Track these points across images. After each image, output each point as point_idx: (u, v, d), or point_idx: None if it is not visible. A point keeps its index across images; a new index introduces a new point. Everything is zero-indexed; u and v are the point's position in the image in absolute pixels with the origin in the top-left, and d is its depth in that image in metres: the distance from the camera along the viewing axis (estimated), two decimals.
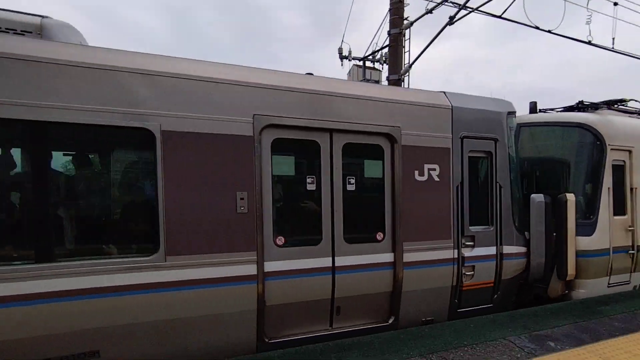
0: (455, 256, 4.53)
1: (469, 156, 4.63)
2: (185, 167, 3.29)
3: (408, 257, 4.25)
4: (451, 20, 6.99)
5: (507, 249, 4.87)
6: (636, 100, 6.45)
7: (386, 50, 9.33)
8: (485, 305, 4.93)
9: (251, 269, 3.51)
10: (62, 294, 2.90)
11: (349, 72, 12.11)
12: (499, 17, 6.51)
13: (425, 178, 4.34)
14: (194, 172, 3.34)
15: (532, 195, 5.20)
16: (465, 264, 4.62)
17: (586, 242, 5.38)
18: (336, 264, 3.94)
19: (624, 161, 5.58)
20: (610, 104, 6.18)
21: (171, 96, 3.28)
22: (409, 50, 7.96)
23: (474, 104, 4.67)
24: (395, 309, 4.28)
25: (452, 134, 4.47)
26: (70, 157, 3.12)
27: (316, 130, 3.90)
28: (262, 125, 3.59)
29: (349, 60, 10.86)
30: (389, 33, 8.07)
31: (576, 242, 5.32)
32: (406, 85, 8.28)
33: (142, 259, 3.18)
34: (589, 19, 6.85)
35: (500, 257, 4.85)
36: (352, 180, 4.08)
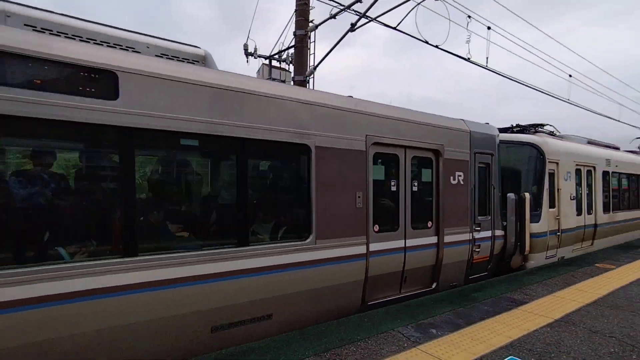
0: (471, 238, 6.49)
1: (478, 166, 6.63)
2: (328, 173, 4.52)
3: (446, 239, 6.06)
4: (352, 27, 7.27)
5: (497, 232, 7.02)
6: (551, 125, 9.80)
7: (292, 50, 9.39)
8: (483, 274, 7.01)
9: (363, 249, 4.90)
10: (251, 271, 3.91)
11: (259, 70, 11.98)
12: (394, 28, 6.99)
13: (455, 182, 6.22)
14: (333, 177, 4.62)
15: (508, 194, 7.41)
16: (476, 243, 6.60)
17: (535, 227, 7.95)
18: (407, 245, 5.55)
19: (554, 170, 8.30)
20: (535, 126, 9.17)
21: (322, 121, 4.54)
22: (314, 53, 8.11)
23: (479, 128, 6.64)
24: (437, 277, 6.03)
25: (470, 150, 6.41)
26: (256, 164, 4.43)
27: (397, 147, 5.49)
28: (370, 143, 5.04)
29: (255, 57, 10.72)
30: (294, 34, 8.11)
31: (530, 227, 7.76)
32: (311, 87, 8.49)
33: (300, 242, 4.39)
34: (468, 38, 7.81)
35: (493, 238, 6.95)
36: (416, 184, 5.76)
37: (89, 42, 3.43)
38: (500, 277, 7.42)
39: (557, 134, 9.95)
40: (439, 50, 7.74)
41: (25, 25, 3.21)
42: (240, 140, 3.94)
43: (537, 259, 8.20)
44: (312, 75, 8.19)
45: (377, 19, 7.26)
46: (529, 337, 4.62)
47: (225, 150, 3.98)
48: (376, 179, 5.25)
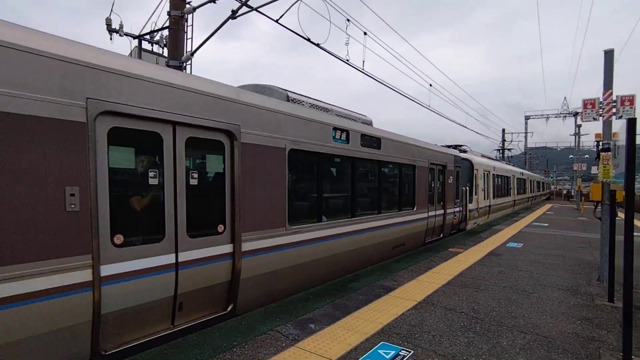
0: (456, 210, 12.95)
1: (456, 172, 12.95)
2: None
3: (448, 212, 11.97)
4: (233, 14, 6.86)
5: (459, 208, 13.45)
6: (465, 145, 16.82)
7: (166, 32, 8.47)
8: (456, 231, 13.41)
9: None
10: (389, 225, 8.66)
11: (131, 52, 10.58)
12: (276, 21, 6.81)
13: (451, 182, 12.44)
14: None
15: (462, 188, 14.08)
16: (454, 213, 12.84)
17: (470, 206, 14.93)
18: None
19: (475, 174, 15.39)
20: (458, 146, 16.37)
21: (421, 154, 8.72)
22: (191, 38, 7.42)
23: (457, 154, 13.19)
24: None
25: (454, 165, 12.74)
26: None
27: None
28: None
29: (120, 35, 9.35)
30: (169, 14, 7.29)
31: (468, 206, 14.67)
32: (188, 72, 7.84)
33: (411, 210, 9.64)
34: (347, 40, 8.13)
35: (460, 210, 13.36)
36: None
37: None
38: (376, 266, 7.98)
39: (468, 150, 17.20)
40: (323, 52, 7.85)
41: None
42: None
43: (470, 224, 15.23)
44: (189, 62, 7.48)
45: (258, 9, 6.97)
46: (397, 321, 4.94)
47: None
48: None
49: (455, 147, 16.32)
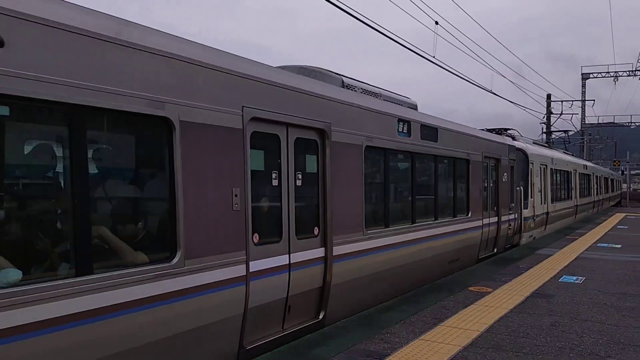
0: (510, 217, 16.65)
1: (510, 167, 16.55)
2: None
3: (502, 219, 15.53)
4: None
5: (514, 215, 17.05)
6: (514, 129, 20.05)
7: None
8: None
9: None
10: (445, 234, 11.72)
11: None
12: None
13: (505, 180, 16.05)
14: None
15: (516, 187, 17.26)
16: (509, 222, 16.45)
17: (525, 212, 17.77)
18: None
19: (531, 168, 18.40)
20: (502, 130, 18.72)
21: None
22: None
23: (511, 143, 17.30)
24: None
25: (508, 158, 16.29)
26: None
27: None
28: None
29: None
30: None
31: (523, 212, 17.78)
32: None
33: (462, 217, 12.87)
34: None
35: (514, 217, 16.96)
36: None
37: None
38: (354, 317, 7.97)
39: (517, 135, 19.54)
40: None
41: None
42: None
43: (524, 237, 17.61)
44: None
45: None
46: None
47: None
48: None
49: (500, 131, 18.32)
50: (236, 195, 5.92)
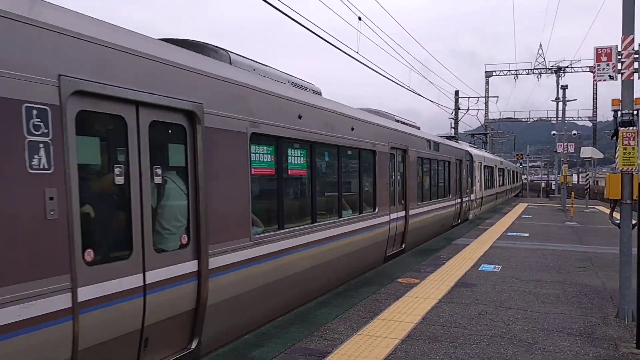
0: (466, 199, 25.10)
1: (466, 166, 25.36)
2: None
3: (464, 200, 24.36)
4: None
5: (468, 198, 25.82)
6: (455, 136, 35.86)
7: None
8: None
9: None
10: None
11: None
12: None
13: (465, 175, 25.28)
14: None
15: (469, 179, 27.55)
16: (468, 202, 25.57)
17: (472, 197, 26.51)
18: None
19: (475, 165, 27.07)
20: (451, 137, 29.96)
21: None
22: None
23: (467, 149, 27.29)
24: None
25: (465, 159, 25.09)
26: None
27: None
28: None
29: None
30: None
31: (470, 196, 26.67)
32: None
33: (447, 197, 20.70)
34: None
35: (468, 199, 25.75)
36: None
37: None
38: (290, 315, 7.82)
39: (459, 140, 30.78)
40: None
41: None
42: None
43: (470, 214, 25.23)
44: None
45: None
46: None
47: None
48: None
49: (449, 138, 27.43)
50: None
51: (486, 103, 66.91)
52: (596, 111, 66.33)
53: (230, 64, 7.67)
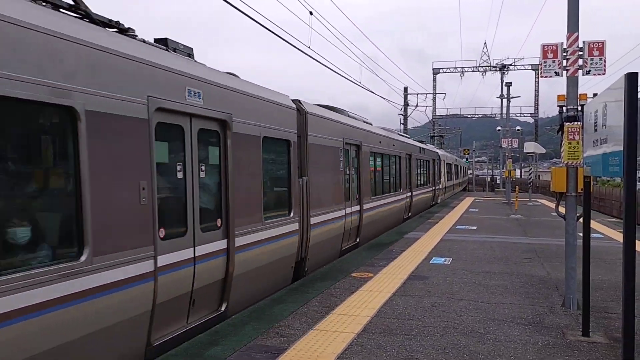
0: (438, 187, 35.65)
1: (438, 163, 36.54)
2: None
3: (438, 187, 34.91)
4: None
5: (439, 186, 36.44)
6: (424, 141, 39.92)
7: None
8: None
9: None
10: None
11: None
12: None
13: (438, 169, 36.64)
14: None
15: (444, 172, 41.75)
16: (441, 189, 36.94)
17: (439, 186, 37.01)
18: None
19: (441, 164, 37.75)
20: (422, 142, 38.09)
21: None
22: None
23: (438, 151, 38.65)
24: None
25: (437, 158, 35.82)
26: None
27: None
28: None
29: None
30: None
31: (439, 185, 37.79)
32: None
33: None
34: None
35: (439, 187, 36.47)
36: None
37: None
38: (245, 312, 7.76)
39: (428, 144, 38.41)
40: None
41: None
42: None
43: (439, 199, 34.89)
44: None
45: None
46: None
47: None
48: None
49: (422, 142, 35.28)
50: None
51: (434, 100, 68.08)
52: (538, 108, 68.31)
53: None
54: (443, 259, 12.29)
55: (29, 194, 4.81)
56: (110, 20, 6.23)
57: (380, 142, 17.67)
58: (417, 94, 52.51)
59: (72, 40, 4.97)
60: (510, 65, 56.24)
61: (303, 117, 10.91)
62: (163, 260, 6.19)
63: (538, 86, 67.84)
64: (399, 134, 25.11)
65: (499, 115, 43.43)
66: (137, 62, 5.85)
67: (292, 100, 10.52)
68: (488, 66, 64.42)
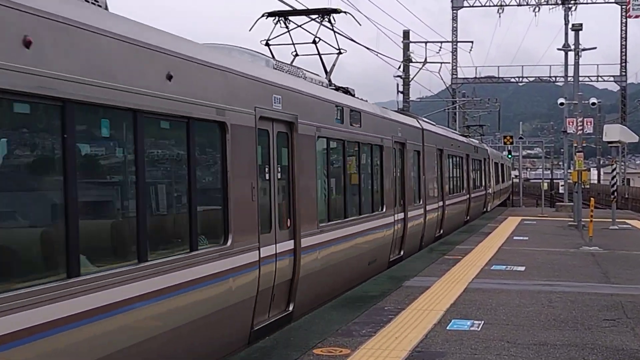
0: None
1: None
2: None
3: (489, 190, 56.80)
4: None
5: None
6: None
7: None
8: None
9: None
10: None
11: None
12: None
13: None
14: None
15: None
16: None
17: (489, 190, 62.86)
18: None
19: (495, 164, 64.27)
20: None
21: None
22: None
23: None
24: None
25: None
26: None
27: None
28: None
29: None
30: None
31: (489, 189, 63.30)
32: None
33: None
34: None
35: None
36: None
37: None
38: None
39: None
40: None
41: None
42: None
43: (490, 207, 55.49)
44: None
45: None
46: None
47: None
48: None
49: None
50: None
51: (454, 52, 68.71)
52: (626, 68, 68.91)
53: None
54: (469, 323, 12.38)
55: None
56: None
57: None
58: (426, 43, 52.50)
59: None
60: None
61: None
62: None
63: (626, 31, 68.41)
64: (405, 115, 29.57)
65: (562, 79, 44.01)
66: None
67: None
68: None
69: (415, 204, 26.10)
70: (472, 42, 61.71)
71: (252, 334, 11.38)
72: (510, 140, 68.08)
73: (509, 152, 72.34)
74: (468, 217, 39.73)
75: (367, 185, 21.48)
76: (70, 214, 7.57)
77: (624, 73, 68.84)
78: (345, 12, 21.92)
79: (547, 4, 64.10)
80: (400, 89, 51.31)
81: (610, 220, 34.52)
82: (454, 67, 69.40)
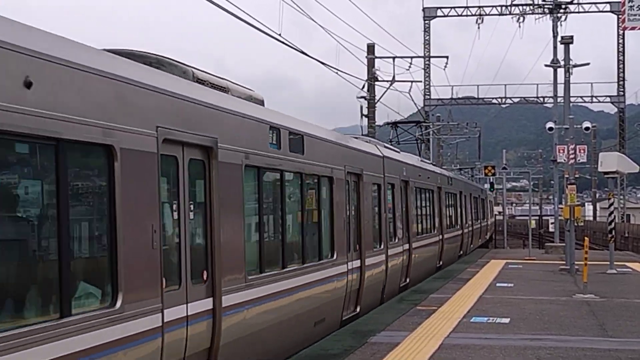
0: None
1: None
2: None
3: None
4: None
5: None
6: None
7: None
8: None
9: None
10: None
11: None
12: None
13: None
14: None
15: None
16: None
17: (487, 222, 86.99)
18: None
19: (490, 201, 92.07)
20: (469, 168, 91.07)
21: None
22: None
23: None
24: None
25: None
26: None
27: None
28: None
29: None
30: None
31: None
32: None
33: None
34: None
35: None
36: None
37: None
38: None
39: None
40: None
41: None
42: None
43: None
44: None
45: None
46: None
47: None
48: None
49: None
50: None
51: (426, 69, 69.05)
52: (624, 86, 69.49)
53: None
54: None
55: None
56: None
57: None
58: (394, 58, 52.61)
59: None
60: (571, 2, 56.78)
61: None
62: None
63: (624, 44, 69.20)
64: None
65: (551, 100, 44.40)
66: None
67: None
68: (530, 4, 65.88)
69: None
70: (447, 57, 61.91)
71: None
72: (492, 171, 68.40)
73: (491, 184, 72.91)
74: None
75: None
76: None
77: (621, 92, 69.37)
78: None
79: (532, 13, 63.94)
80: (365, 111, 51.21)
81: (608, 263, 34.85)
82: (427, 87, 69.72)
